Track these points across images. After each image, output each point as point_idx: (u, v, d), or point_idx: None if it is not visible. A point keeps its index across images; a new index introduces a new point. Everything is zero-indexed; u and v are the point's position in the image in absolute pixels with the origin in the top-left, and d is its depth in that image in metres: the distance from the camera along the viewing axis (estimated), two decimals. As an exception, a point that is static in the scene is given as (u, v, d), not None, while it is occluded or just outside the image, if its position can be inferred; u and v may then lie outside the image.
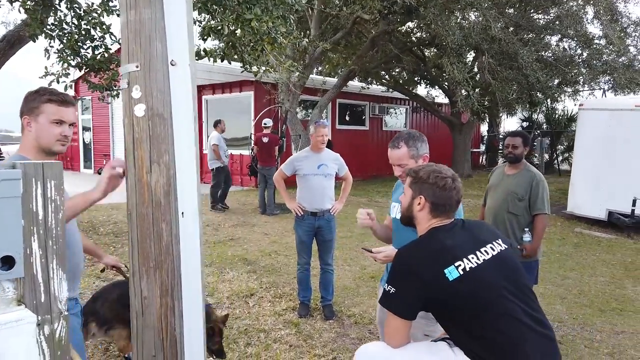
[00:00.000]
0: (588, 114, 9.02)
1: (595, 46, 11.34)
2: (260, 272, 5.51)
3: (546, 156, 22.29)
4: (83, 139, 20.15)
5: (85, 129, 19.98)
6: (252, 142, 10.17)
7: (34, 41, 5.06)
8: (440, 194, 1.87)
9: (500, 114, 17.88)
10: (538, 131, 23.04)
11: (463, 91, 8.65)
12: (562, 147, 22.06)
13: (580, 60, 11.25)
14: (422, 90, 19.53)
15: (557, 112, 22.29)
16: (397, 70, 16.90)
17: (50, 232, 1.08)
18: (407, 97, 17.99)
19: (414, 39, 14.01)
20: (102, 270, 3.34)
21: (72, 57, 5.07)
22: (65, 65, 5.16)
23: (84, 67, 5.71)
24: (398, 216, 2.31)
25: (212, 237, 7.19)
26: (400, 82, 17.45)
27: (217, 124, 9.34)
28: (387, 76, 16.90)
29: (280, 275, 5.42)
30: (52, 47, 5.01)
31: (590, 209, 8.72)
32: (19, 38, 6.46)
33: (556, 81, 10.88)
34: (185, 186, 1.45)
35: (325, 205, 4.29)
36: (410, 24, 12.63)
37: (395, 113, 18.90)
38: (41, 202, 1.06)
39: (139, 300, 1.48)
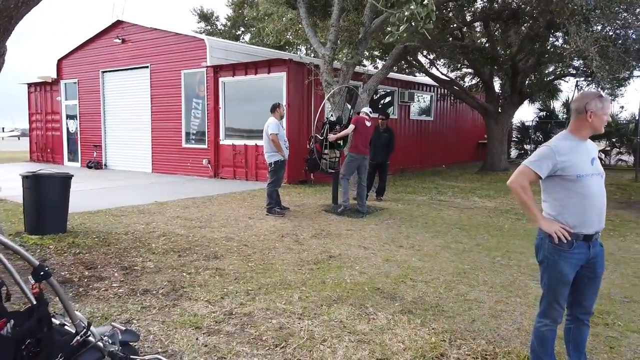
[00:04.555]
0: None
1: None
2: (418, 312, 3.86)
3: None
4: (67, 128, 17.79)
5: (69, 116, 17.62)
6: (342, 127, 8.23)
7: None
8: None
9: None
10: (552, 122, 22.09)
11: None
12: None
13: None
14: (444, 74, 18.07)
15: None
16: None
17: None
18: (434, 84, 16.49)
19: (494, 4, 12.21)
20: None
21: None
22: None
23: None
24: None
25: (304, 254, 5.47)
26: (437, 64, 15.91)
27: (275, 108, 7.46)
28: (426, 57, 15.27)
29: (451, 317, 3.79)
30: None
31: None
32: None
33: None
34: None
35: (602, 222, 2.74)
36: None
37: (419, 100, 17.37)
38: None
39: None
